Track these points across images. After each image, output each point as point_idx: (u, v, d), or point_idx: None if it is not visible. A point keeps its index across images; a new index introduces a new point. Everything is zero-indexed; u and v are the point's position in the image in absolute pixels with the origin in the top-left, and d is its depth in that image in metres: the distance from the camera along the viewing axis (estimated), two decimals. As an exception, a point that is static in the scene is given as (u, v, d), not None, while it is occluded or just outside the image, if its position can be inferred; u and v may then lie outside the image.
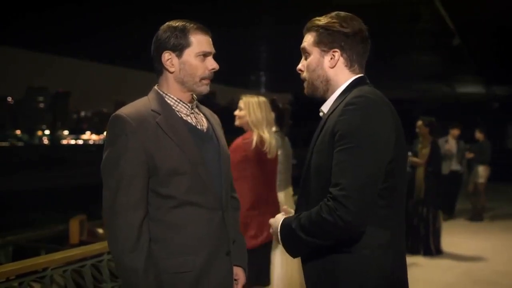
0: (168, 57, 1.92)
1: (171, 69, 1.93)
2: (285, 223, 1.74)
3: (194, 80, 1.93)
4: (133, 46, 13.74)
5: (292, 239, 1.71)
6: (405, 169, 1.78)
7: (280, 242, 1.76)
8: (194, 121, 1.99)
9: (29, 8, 10.53)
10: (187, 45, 1.91)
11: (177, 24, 1.93)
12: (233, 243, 2.05)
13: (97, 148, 56.90)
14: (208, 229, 1.91)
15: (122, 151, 1.81)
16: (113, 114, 1.87)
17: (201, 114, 2.06)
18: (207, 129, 2.02)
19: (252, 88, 26.57)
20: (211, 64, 1.95)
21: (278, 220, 1.79)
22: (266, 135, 3.54)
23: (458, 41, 10.57)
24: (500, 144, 21.05)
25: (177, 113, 1.94)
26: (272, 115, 3.70)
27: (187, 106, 1.98)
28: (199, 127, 1.99)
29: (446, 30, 10.02)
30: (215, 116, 2.15)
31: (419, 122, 6.96)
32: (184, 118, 1.96)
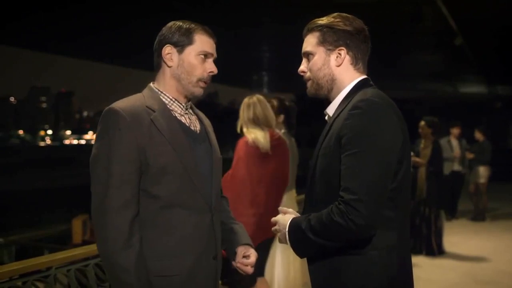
0: (169, 51, 1.90)
1: (169, 63, 1.91)
2: (293, 223, 1.74)
3: (190, 79, 1.90)
4: (136, 46, 13.78)
5: (301, 239, 1.71)
6: (409, 170, 1.78)
7: (288, 242, 1.75)
8: (187, 121, 1.95)
9: (31, 7, 10.57)
10: (189, 42, 1.90)
11: (183, 23, 1.93)
12: (231, 230, 2.05)
13: (99, 148, 56.69)
14: (196, 232, 1.86)
15: (114, 147, 1.76)
16: (107, 107, 1.82)
17: (195, 115, 2.02)
18: (200, 130, 1.98)
19: (255, 88, 26.58)
20: (210, 67, 1.93)
21: (286, 219, 1.78)
22: (252, 133, 3.50)
23: (460, 41, 10.58)
24: (503, 143, 21.03)
25: (172, 112, 1.91)
26: (266, 112, 3.60)
27: (181, 106, 1.94)
28: (193, 128, 1.95)
29: (448, 30, 10.02)
30: (207, 119, 2.11)
31: (422, 123, 6.91)
32: (178, 117, 1.92)
